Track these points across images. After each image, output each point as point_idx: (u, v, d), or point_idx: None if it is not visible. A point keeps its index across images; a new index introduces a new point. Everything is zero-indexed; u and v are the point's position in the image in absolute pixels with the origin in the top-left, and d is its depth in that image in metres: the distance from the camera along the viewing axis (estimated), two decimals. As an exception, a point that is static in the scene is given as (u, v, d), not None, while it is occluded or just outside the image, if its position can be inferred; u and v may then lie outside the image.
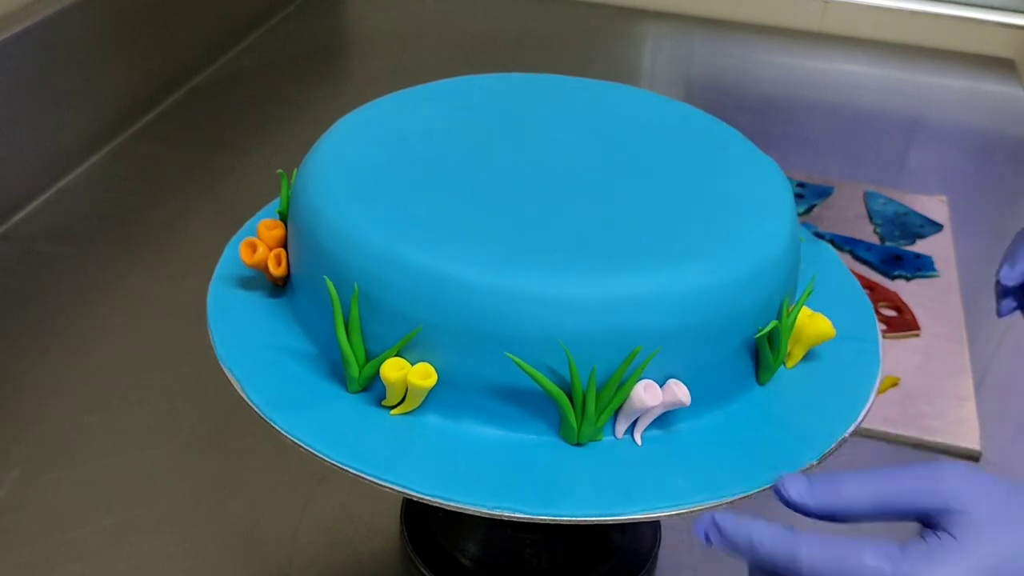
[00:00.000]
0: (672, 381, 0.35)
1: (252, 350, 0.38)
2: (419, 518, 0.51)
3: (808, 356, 0.40)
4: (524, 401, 0.35)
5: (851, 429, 0.37)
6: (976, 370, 0.66)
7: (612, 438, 0.36)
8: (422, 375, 0.34)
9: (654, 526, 0.52)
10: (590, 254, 0.35)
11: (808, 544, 0.30)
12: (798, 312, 0.38)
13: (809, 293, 0.39)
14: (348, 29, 1.19)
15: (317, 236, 0.37)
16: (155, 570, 0.49)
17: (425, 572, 0.49)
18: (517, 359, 0.33)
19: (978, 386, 0.65)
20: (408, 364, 0.34)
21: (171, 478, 0.54)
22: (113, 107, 0.85)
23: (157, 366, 0.62)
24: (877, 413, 0.61)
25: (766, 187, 0.41)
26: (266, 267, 0.40)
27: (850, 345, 0.41)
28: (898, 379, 0.64)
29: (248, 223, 0.46)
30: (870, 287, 0.72)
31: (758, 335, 0.37)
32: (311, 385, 0.37)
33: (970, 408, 0.62)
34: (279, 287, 0.42)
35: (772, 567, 0.31)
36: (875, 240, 0.79)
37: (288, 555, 0.51)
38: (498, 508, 0.33)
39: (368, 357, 0.36)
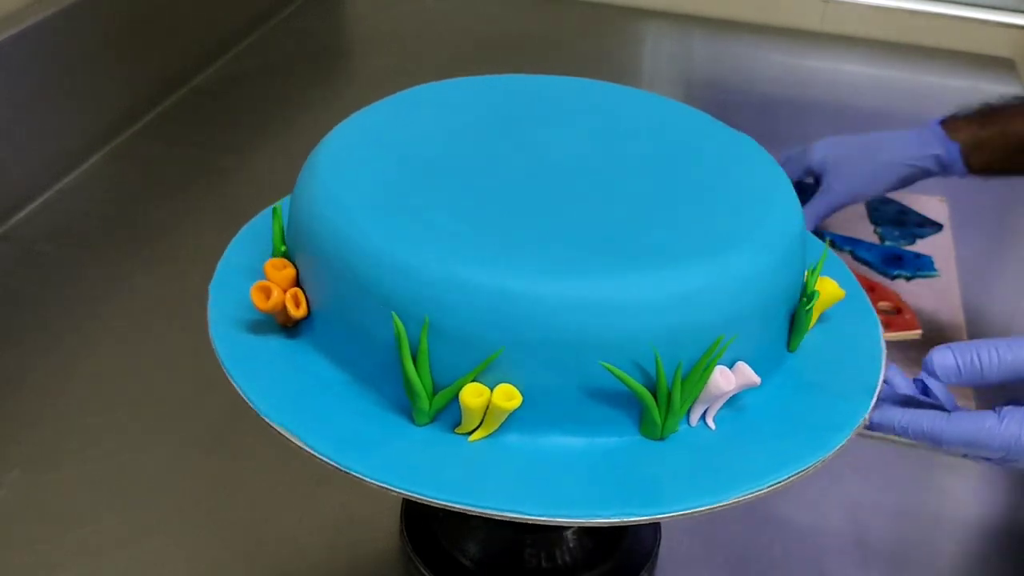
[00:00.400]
0: (740, 363, 0.36)
1: (291, 393, 0.36)
2: (419, 518, 0.51)
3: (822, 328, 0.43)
4: (602, 405, 0.35)
5: (881, 377, 0.40)
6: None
7: (687, 427, 0.37)
8: (506, 397, 0.33)
9: (654, 525, 0.52)
10: (640, 253, 0.36)
11: (949, 424, 0.38)
12: (817, 277, 0.40)
13: (825, 258, 0.41)
14: (349, 30, 1.19)
15: (354, 267, 0.35)
16: (156, 570, 0.49)
17: (425, 572, 0.49)
18: (611, 367, 0.33)
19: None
20: (487, 389, 0.33)
21: (172, 479, 0.54)
22: (113, 107, 0.85)
23: (158, 367, 0.62)
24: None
25: (769, 177, 0.42)
26: (283, 310, 0.38)
27: (843, 306, 0.43)
28: (898, 379, 0.64)
29: (240, 233, 0.45)
30: (870, 287, 0.72)
31: (805, 306, 0.39)
32: (375, 420, 0.36)
33: (970, 407, 0.62)
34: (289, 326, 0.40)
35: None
36: (875, 240, 0.79)
37: (289, 555, 0.51)
38: (608, 516, 0.33)
39: (435, 387, 0.35)
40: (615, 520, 0.33)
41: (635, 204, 0.39)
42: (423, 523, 0.50)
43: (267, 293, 0.37)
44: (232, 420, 0.57)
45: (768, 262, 0.37)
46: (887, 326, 0.68)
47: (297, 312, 0.38)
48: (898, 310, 0.70)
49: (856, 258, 0.76)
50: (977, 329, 0.70)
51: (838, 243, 0.77)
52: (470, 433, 0.35)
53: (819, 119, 1.01)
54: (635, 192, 0.39)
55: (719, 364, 0.35)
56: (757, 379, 0.36)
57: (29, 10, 0.74)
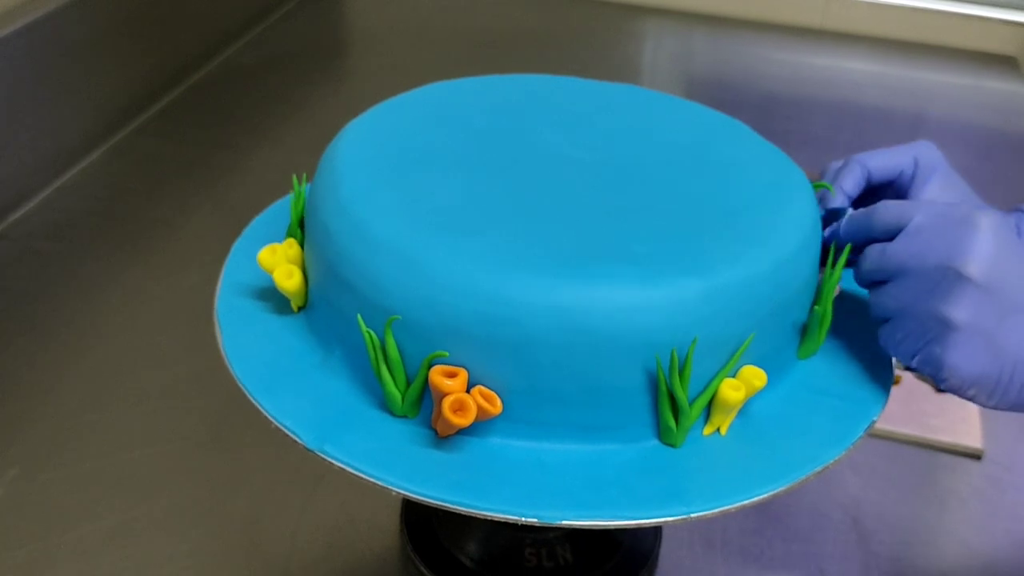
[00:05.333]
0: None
1: (284, 380, 0.37)
2: (419, 517, 0.51)
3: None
4: (613, 410, 0.35)
5: (892, 380, 0.39)
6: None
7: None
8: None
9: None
10: (651, 259, 0.35)
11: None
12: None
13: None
14: (347, 26, 1.19)
15: (356, 264, 0.36)
16: (154, 569, 0.49)
17: (425, 571, 0.48)
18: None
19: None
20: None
21: (170, 477, 0.54)
22: (111, 105, 0.85)
23: (156, 365, 0.62)
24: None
25: (784, 175, 0.42)
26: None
27: (851, 306, 0.43)
28: (899, 377, 0.64)
29: (247, 230, 0.45)
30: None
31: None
32: (354, 410, 0.36)
33: (972, 407, 0.62)
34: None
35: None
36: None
37: (288, 554, 0.50)
38: (631, 518, 0.33)
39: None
40: (627, 522, 0.33)
41: (646, 208, 0.38)
42: (423, 522, 0.50)
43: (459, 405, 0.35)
44: (231, 418, 0.57)
45: (774, 264, 0.36)
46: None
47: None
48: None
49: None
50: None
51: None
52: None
53: (820, 117, 1.00)
54: (646, 195, 0.39)
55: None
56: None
57: (26, 7, 0.73)
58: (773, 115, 0.99)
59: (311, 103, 0.95)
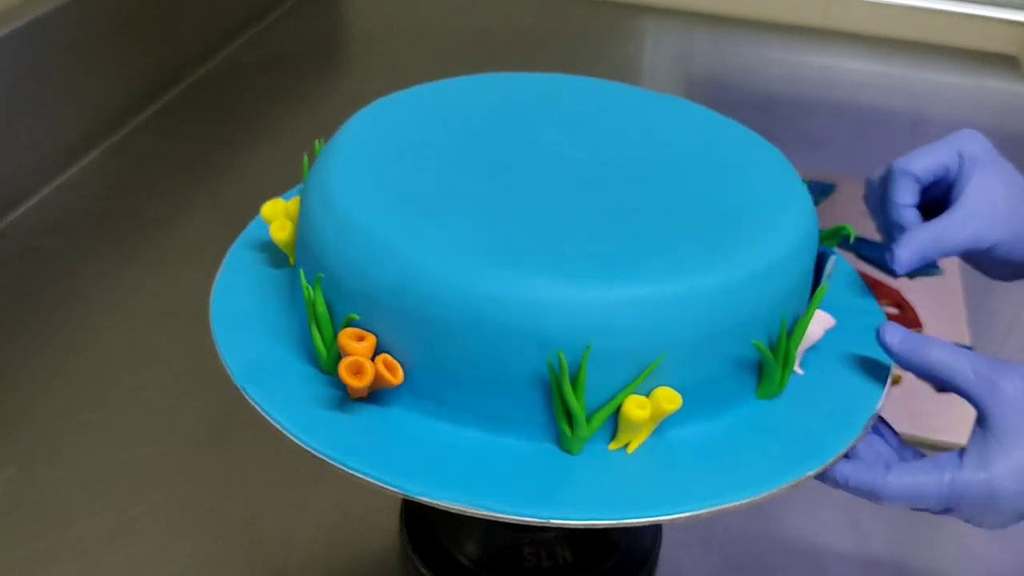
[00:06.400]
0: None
1: (245, 325, 0.39)
2: (419, 517, 0.51)
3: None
4: (513, 405, 0.35)
5: (841, 453, 0.36)
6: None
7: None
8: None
9: (655, 526, 0.51)
10: (586, 258, 0.34)
11: (887, 481, 0.36)
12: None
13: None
14: (346, 25, 1.18)
15: (322, 229, 0.37)
16: (153, 569, 0.49)
17: (424, 571, 0.48)
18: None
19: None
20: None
21: (169, 476, 0.54)
22: (111, 103, 0.85)
23: (155, 363, 0.62)
24: (879, 412, 0.61)
25: (778, 191, 0.40)
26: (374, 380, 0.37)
27: (856, 349, 0.41)
28: (900, 377, 0.64)
29: (254, 222, 0.45)
30: (872, 284, 0.72)
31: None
32: (294, 368, 0.37)
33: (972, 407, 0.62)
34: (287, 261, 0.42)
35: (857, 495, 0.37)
36: (878, 238, 0.78)
37: (286, 554, 0.50)
38: (486, 508, 0.32)
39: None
40: (485, 513, 0.33)
41: (622, 209, 0.38)
42: (422, 522, 0.50)
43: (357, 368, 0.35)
44: (229, 417, 0.57)
45: (716, 288, 0.35)
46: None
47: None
48: (900, 307, 0.70)
49: (859, 256, 0.76)
50: (980, 327, 0.69)
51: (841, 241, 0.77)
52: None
53: (821, 116, 1.00)
54: (627, 197, 0.39)
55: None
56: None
57: (25, 6, 0.73)
58: (773, 115, 0.99)
59: (310, 101, 0.95)
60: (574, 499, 0.33)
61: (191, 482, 0.54)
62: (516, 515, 0.32)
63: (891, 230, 0.44)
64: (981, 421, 0.36)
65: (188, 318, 0.64)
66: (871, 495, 0.36)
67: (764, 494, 0.34)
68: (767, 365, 0.37)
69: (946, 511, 0.37)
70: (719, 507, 0.33)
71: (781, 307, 0.37)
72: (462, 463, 0.34)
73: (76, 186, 0.79)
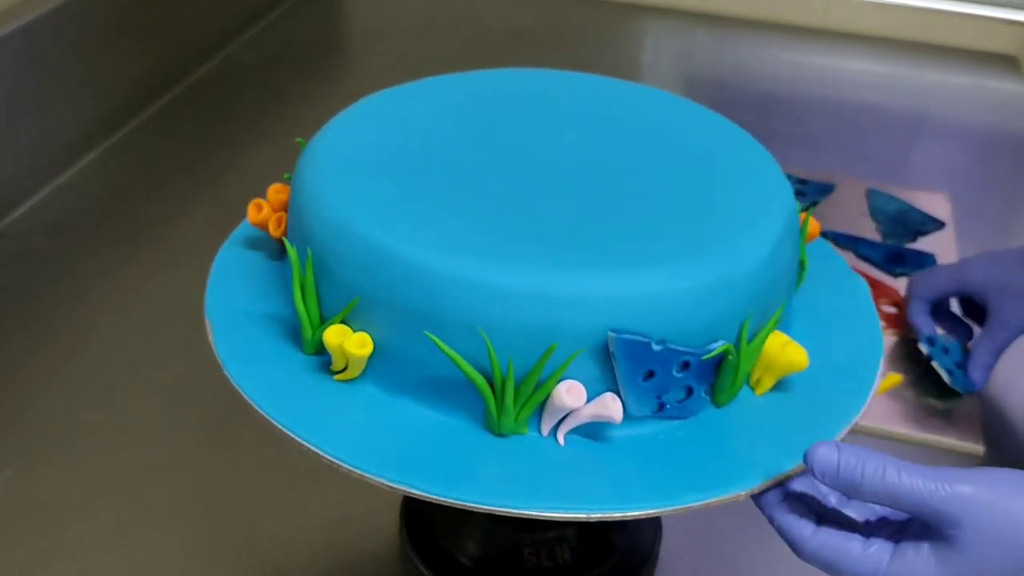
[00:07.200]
0: (608, 394, 0.34)
1: (233, 308, 0.39)
2: (419, 517, 0.50)
3: (785, 386, 0.38)
4: (452, 386, 0.35)
5: (784, 474, 0.35)
6: (979, 368, 0.66)
7: (536, 434, 0.35)
8: (358, 344, 0.35)
9: (655, 524, 0.51)
10: (539, 246, 0.35)
11: (813, 537, 0.34)
12: (764, 338, 0.36)
13: (776, 320, 0.36)
14: (347, 24, 1.18)
15: (297, 204, 0.39)
16: (152, 569, 0.49)
17: (424, 571, 0.48)
18: (436, 338, 0.34)
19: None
20: (350, 332, 0.35)
21: (168, 476, 0.54)
22: (110, 103, 0.85)
23: (154, 364, 0.62)
24: (878, 411, 0.61)
25: (759, 194, 0.40)
26: (267, 227, 0.41)
27: (840, 383, 0.39)
28: (900, 377, 0.64)
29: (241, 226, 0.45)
30: (870, 284, 0.72)
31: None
32: (273, 344, 0.38)
33: (972, 407, 0.62)
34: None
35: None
36: (877, 238, 0.78)
37: (286, 554, 0.50)
38: (400, 483, 0.33)
39: (323, 323, 0.37)
40: (405, 489, 0.33)
41: (595, 202, 0.38)
42: (422, 521, 0.50)
43: (259, 208, 0.42)
44: (228, 417, 0.57)
45: (657, 291, 0.34)
46: (887, 323, 0.68)
47: (277, 231, 0.41)
48: (898, 307, 0.70)
49: (858, 256, 0.76)
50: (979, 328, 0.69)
51: (840, 241, 0.77)
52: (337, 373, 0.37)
53: (821, 116, 1.00)
54: (605, 190, 0.39)
55: (574, 380, 0.33)
56: (618, 416, 0.34)
57: (25, 6, 0.73)
58: (773, 114, 0.99)
59: (311, 101, 0.95)
60: (489, 484, 0.33)
61: (191, 482, 0.54)
62: (426, 493, 0.33)
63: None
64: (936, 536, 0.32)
65: (187, 318, 0.63)
66: (791, 544, 0.34)
67: (679, 507, 0.33)
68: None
69: None
70: (625, 513, 0.33)
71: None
72: (403, 440, 0.34)
73: (76, 186, 0.79)
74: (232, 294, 0.40)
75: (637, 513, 0.33)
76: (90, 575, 0.49)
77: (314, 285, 0.37)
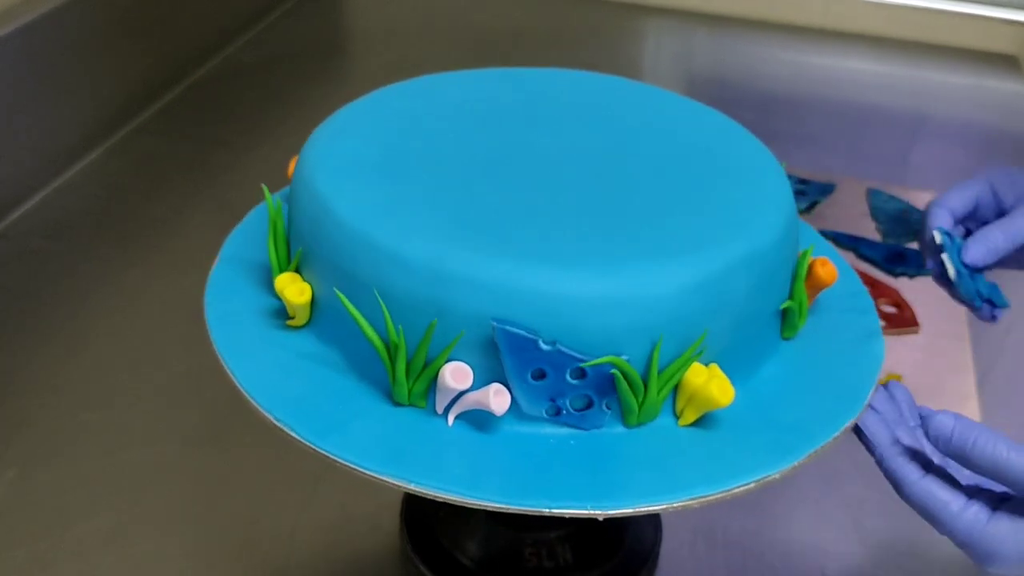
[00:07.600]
0: (495, 385, 0.33)
1: (272, 367, 0.38)
2: (419, 517, 0.50)
3: (711, 423, 0.36)
4: (367, 350, 0.35)
5: (876, 382, 0.38)
6: (979, 368, 0.66)
7: (432, 411, 0.35)
8: (298, 292, 0.37)
9: (655, 524, 0.51)
10: (494, 234, 0.35)
11: (919, 482, 0.36)
12: (682, 365, 0.35)
13: (695, 348, 0.35)
14: (347, 25, 1.18)
15: (341, 254, 0.37)
16: (153, 569, 0.49)
17: (425, 571, 0.48)
18: (341, 295, 0.35)
19: (980, 384, 0.65)
20: (300, 280, 0.38)
21: (169, 476, 0.54)
22: (110, 103, 0.85)
23: (154, 364, 0.62)
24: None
25: (759, 165, 0.40)
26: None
27: (777, 436, 0.37)
28: (900, 376, 0.64)
29: (246, 218, 0.45)
30: (870, 283, 0.72)
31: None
32: (351, 398, 0.37)
33: (972, 406, 0.62)
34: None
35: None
36: (877, 238, 0.78)
37: (286, 554, 0.50)
38: (282, 422, 0.34)
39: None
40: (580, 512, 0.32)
41: (585, 199, 0.38)
42: (423, 522, 0.50)
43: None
44: (229, 417, 0.57)
45: (752, 260, 0.35)
46: (887, 323, 0.68)
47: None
48: (898, 306, 0.70)
49: (859, 256, 0.76)
50: (978, 325, 0.69)
51: (841, 241, 0.77)
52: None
53: (821, 116, 1.00)
54: (599, 188, 0.39)
55: (462, 362, 0.34)
56: (500, 410, 0.33)
57: (25, 6, 0.73)
58: (773, 114, 0.99)
59: (311, 102, 0.95)
60: (357, 442, 0.34)
61: (191, 482, 0.54)
62: (298, 436, 0.34)
63: (934, 254, 0.48)
64: None
65: (188, 319, 0.63)
66: (896, 485, 0.37)
67: (529, 509, 0.33)
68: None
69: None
70: (466, 500, 0.33)
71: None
72: (367, 423, 0.35)
73: (76, 187, 0.79)
74: (232, 288, 0.41)
75: (485, 504, 0.32)
76: (90, 575, 0.49)
77: (285, 235, 0.39)
